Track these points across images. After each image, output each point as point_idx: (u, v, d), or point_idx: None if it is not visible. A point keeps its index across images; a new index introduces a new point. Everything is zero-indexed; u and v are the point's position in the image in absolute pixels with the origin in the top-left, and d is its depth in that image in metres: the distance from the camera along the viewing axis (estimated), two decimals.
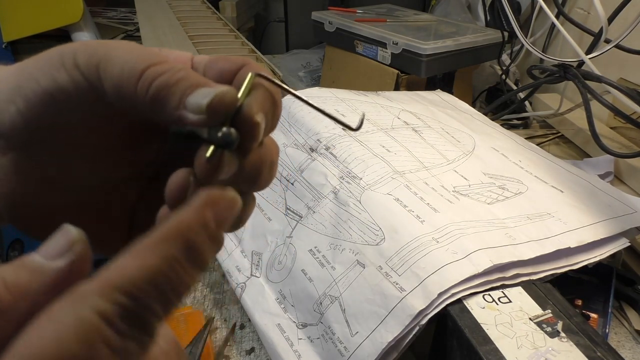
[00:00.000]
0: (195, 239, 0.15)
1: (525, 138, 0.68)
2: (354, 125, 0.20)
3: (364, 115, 0.21)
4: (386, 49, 0.80)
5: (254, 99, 0.18)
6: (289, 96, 0.20)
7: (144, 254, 0.15)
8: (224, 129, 0.17)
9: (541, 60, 0.82)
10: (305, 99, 0.20)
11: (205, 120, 0.17)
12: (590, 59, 0.66)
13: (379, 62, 0.83)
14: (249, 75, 0.18)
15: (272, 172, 0.20)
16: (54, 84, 0.18)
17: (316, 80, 1.06)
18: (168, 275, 0.15)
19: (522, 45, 0.90)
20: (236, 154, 0.18)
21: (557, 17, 0.73)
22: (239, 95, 0.18)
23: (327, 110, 0.20)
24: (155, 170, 0.23)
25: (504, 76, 0.88)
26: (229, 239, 0.52)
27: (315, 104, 0.20)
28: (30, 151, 0.19)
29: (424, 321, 0.35)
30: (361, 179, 0.47)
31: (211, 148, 0.17)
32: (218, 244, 0.16)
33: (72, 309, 0.13)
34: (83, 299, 0.13)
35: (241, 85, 0.18)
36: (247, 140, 0.18)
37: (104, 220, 0.22)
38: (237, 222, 0.20)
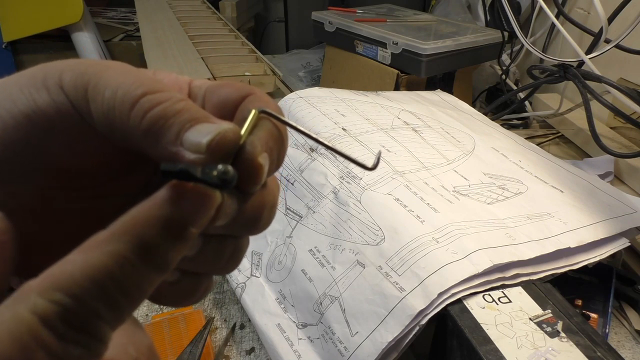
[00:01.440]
0: (151, 236, 0.14)
1: (525, 138, 0.68)
2: (369, 164, 0.18)
3: (379, 153, 0.20)
4: (386, 49, 0.80)
5: (258, 137, 0.16)
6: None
7: (91, 251, 0.13)
8: (220, 166, 0.14)
9: (541, 60, 0.82)
10: (315, 137, 0.19)
11: (203, 160, 0.15)
12: (590, 59, 0.66)
13: (379, 62, 0.83)
14: (253, 112, 0.16)
15: (271, 215, 0.18)
16: (33, 105, 0.16)
17: (316, 80, 1.06)
18: (115, 275, 0.13)
19: (522, 45, 0.90)
20: (235, 197, 0.16)
21: (557, 17, 0.73)
22: (242, 132, 0.16)
23: (342, 150, 0.18)
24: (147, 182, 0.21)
25: (504, 76, 0.88)
26: None
27: (328, 144, 0.19)
28: (4, 177, 0.17)
29: (424, 321, 0.35)
30: (361, 179, 0.47)
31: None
32: (183, 242, 0.14)
33: (10, 308, 0.12)
34: (23, 298, 0.12)
35: (245, 120, 0.16)
36: (249, 183, 0.16)
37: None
38: (230, 261, 0.18)
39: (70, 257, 0.13)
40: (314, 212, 0.46)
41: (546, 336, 0.34)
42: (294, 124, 0.18)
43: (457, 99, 0.73)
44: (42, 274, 0.13)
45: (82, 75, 0.16)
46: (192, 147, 0.15)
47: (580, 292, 0.47)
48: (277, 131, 0.17)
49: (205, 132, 0.15)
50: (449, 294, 0.36)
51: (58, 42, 1.12)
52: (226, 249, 0.18)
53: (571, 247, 0.41)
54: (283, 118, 0.17)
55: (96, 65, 0.16)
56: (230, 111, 0.18)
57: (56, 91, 0.16)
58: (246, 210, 0.17)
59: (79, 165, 0.18)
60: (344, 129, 0.54)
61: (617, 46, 0.65)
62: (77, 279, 0.13)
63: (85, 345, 0.13)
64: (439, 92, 0.74)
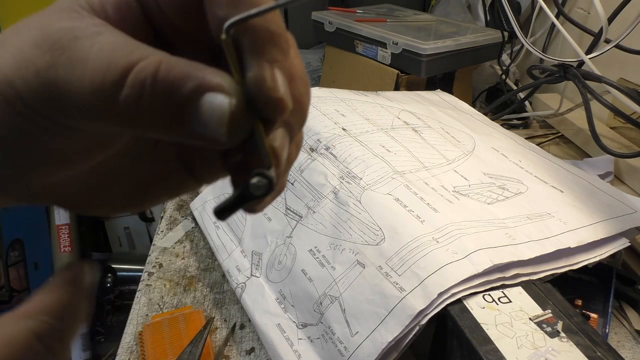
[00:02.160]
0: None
1: (525, 138, 0.68)
2: None
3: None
4: (386, 49, 0.80)
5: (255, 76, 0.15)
6: None
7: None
8: (254, 180, 0.15)
9: (541, 60, 0.82)
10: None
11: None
12: (590, 59, 0.66)
13: (379, 62, 0.83)
14: (224, 37, 0.15)
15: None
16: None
17: (316, 80, 1.06)
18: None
19: (522, 45, 0.89)
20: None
21: (557, 17, 0.73)
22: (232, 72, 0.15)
23: None
24: None
25: (504, 76, 0.88)
26: (229, 239, 0.52)
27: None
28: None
29: (424, 321, 0.35)
30: (361, 179, 0.47)
31: None
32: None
33: (10, 324, 0.16)
34: (20, 317, 0.16)
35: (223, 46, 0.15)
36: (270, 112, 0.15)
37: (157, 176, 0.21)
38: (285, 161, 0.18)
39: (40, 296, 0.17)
40: (314, 212, 0.46)
41: (546, 336, 0.34)
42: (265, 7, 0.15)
43: (457, 99, 0.73)
44: (28, 303, 0.17)
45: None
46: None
47: (580, 292, 0.47)
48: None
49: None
50: (449, 294, 0.36)
51: None
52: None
53: (571, 247, 0.41)
54: (253, 11, 0.14)
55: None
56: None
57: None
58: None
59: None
60: (344, 129, 0.54)
61: (617, 46, 0.65)
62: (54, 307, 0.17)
63: (63, 351, 0.17)
64: (439, 92, 0.74)
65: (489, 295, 0.37)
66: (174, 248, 0.58)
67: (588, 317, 0.45)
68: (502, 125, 0.70)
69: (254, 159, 0.16)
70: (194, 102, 0.14)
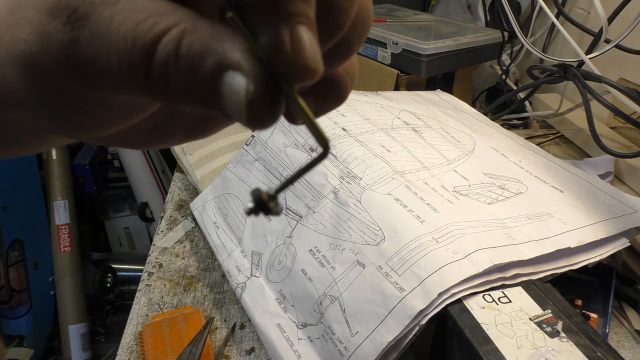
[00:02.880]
0: None
1: (525, 138, 0.68)
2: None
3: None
4: (386, 49, 0.80)
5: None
6: None
7: None
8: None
9: (541, 60, 0.82)
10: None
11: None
12: (590, 59, 0.66)
13: (379, 62, 0.83)
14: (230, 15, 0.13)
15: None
16: None
17: None
18: None
19: (522, 45, 0.90)
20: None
21: (557, 17, 0.73)
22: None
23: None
24: None
25: (504, 76, 0.88)
26: (229, 238, 0.52)
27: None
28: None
29: (424, 321, 0.35)
30: (361, 179, 0.47)
31: None
32: None
33: None
34: None
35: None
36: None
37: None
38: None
39: None
40: (314, 212, 0.46)
41: (546, 336, 0.34)
42: None
43: (457, 99, 0.73)
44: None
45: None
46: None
47: (580, 292, 0.47)
48: None
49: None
50: (449, 294, 0.36)
51: None
52: None
53: (571, 247, 0.41)
54: None
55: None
56: None
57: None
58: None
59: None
60: (344, 129, 0.54)
61: (617, 46, 0.65)
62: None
63: None
64: (439, 92, 0.74)
65: (489, 295, 0.37)
66: (174, 248, 0.58)
67: (588, 317, 0.45)
68: (502, 125, 0.70)
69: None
70: (216, 80, 0.13)
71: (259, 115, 0.13)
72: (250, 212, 0.14)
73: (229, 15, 0.13)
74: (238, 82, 0.13)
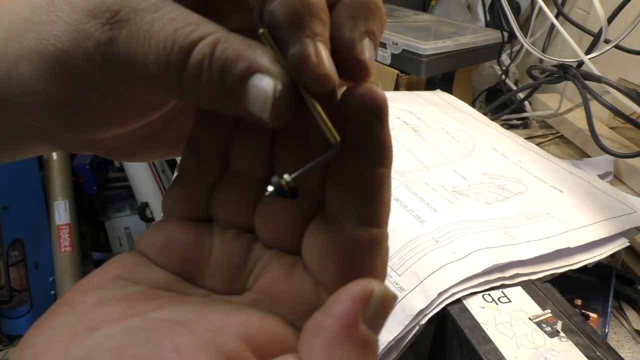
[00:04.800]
0: None
1: (525, 138, 0.68)
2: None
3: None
4: (386, 49, 0.80)
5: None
6: None
7: None
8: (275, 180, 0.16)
9: (541, 60, 0.82)
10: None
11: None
12: (590, 59, 0.66)
13: (379, 62, 0.83)
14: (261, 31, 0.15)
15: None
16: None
17: None
18: None
19: (522, 46, 0.90)
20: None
21: (556, 17, 0.73)
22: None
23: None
24: None
25: (503, 76, 0.88)
26: None
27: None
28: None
29: (423, 321, 0.35)
30: None
31: None
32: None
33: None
34: None
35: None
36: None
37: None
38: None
39: None
40: None
41: (546, 336, 0.34)
42: None
43: (456, 99, 0.73)
44: None
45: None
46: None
47: (580, 292, 0.47)
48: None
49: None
50: (448, 294, 0.36)
51: None
52: None
53: (571, 247, 0.41)
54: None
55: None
56: None
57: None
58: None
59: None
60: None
61: (617, 46, 0.65)
62: None
63: None
64: (438, 92, 0.74)
65: (489, 295, 0.37)
66: None
67: (587, 317, 0.45)
68: (501, 125, 0.70)
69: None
70: (244, 82, 0.15)
71: (282, 111, 0.15)
72: (271, 196, 0.16)
73: (260, 31, 0.15)
74: (266, 83, 0.15)
